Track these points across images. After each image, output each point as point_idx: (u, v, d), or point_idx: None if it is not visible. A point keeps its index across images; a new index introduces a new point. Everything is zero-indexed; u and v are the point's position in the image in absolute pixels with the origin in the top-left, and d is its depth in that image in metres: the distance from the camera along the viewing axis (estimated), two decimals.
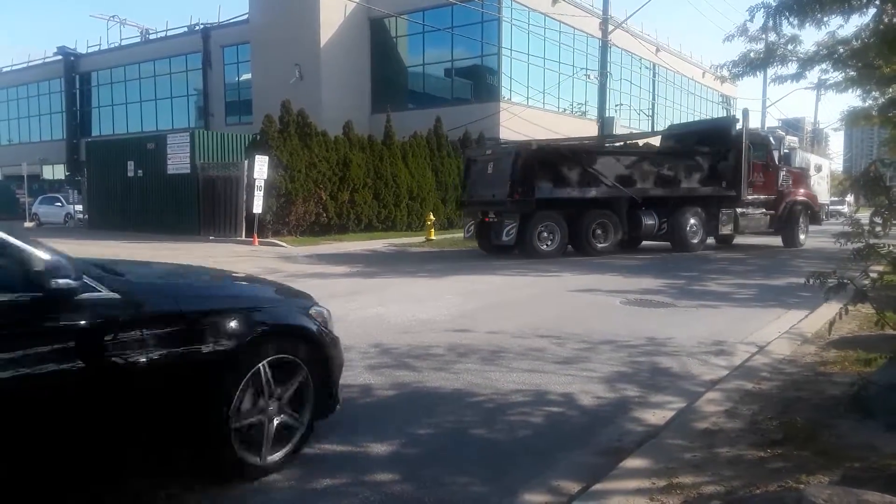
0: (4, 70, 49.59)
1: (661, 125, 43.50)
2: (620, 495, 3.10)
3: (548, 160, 15.69)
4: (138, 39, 43.69)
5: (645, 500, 3.05)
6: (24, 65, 48.28)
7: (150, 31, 43.81)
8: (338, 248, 18.32)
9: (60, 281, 2.66)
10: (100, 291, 2.88)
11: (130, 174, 23.89)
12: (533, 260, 14.95)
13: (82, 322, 2.77)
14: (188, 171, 21.92)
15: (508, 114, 29.23)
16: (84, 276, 2.82)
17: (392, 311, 8.38)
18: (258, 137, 20.87)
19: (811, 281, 4.17)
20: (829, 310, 6.89)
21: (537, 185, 15.24)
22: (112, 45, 44.11)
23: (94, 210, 26.43)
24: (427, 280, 11.87)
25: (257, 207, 19.21)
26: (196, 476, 3.36)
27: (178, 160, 22.28)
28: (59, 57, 45.00)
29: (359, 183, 22.03)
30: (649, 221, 16.72)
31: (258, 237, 19.15)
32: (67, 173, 42.30)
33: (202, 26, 38.08)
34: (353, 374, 5.39)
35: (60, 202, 32.35)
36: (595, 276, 12.22)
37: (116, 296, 2.93)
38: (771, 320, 7.90)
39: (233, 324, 3.30)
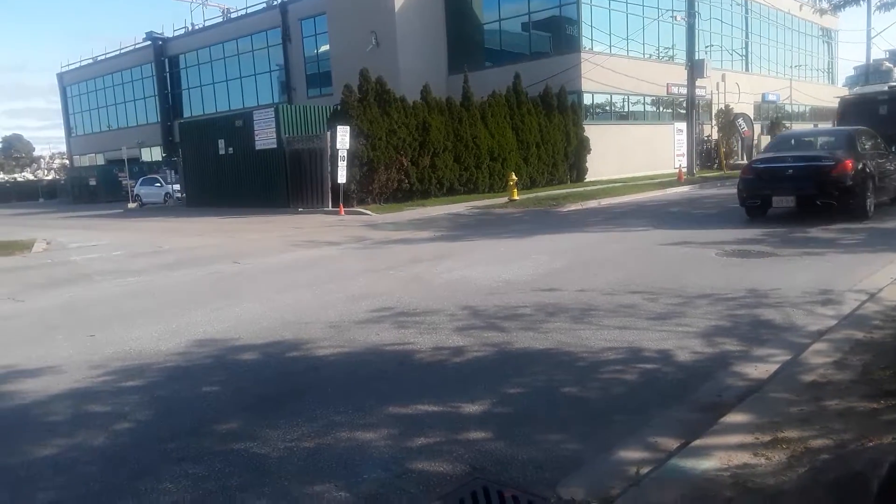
0: (99, 59, 52.27)
1: (756, 65, 41.07)
2: (722, 451, 2.99)
3: None
4: (220, 19, 44.97)
5: (748, 455, 2.93)
6: (117, 52, 50.67)
7: (231, 11, 45.02)
8: (421, 213, 18.47)
9: None
10: None
11: (221, 152, 24.87)
12: (621, 217, 14.53)
13: None
14: (275, 145, 22.57)
15: (590, 64, 28.32)
16: None
17: (478, 272, 8.39)
18: (338, 108, 21.16)
19: None
20: None
21: None
22: (196, 27, 45.65)
23: (190, 188, 27.75)
24: (512, 241, 11.80)
25: (341, 177, 19.58)
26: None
27: (264, 135, 22.98)
28: (148, 42, 46.98)
29: (439, 147, 22.01)
30: None
31: (344, 206, 19.55)
32: (164, 154, 44.48)
33: (280, 1, 38.69)
34: (442, 337, 5.45)
35: (160, 182, 34.13)
36: (687, 228, 11.76)
37: None
38: (882, 266, 7.37)
39: None
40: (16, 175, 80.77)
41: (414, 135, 21.45)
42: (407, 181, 21.40)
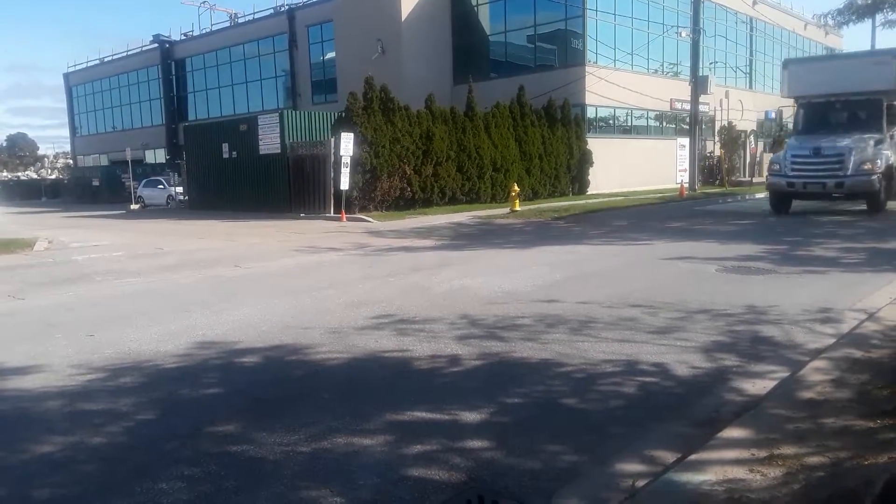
0: (106, 60, 52.47)
1: (760, 82, 41.20)
2: (718, 465, 2.99)
3: None
4: (228, 24, 45.17)
5: (744, 471, 2.93)
6: (124, 54, 50.81)
7: (239, 15, 45.19)
8: (423, 221, 18.50)
9: None
10: None
11: (225, 155, 24.94)
12: (622, 230, 14.56)
13: None
14: (278, 150, 22.64)
15: (595, 78, 28.42)
16: None
17: (478, 282, 8.40)
18: (343, 115, 21.23)
19: None
20: None
21: None
22: (203, 31, 45.85)
23: (193, 191, 27.81)
24: (513, 251, 11.82)
25: (344, 184, 19.63)
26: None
27: (268, 140, 23.05)
28: (155, 45, 47.15)
29: (442, 156, 22.07)
30: None
31: (345, 213, 19.58)
32: (168, 157, 44.58)
33: (287, 7, 38.87)
34: (442, 345, 5.46)
35: (162, 185, 34.19)
36: (688, 243, 11.78)
37: None
38: (882, 285, 7.39)
39: None
40: (19, 173, 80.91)
41: (417, 143, 21.51)
42: (409, 189, 21.44)
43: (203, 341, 5.82)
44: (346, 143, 19.35)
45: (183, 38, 47.07)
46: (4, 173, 79.21)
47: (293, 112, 25.48)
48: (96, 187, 42.46)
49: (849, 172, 14.99)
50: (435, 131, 21.90)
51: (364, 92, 20.93)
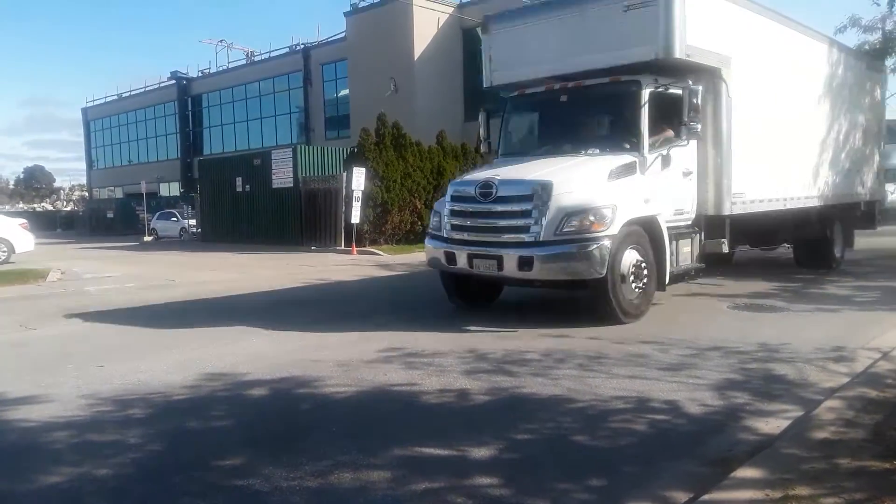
0: (124, 95, 53.56)
1: None
2: None
3: None
4: (244, 62, 46.11)
5: None
6: (142, 90, 51.94)
7: (255, 54, 46.16)
8: None
9: None
10: None
11: (239, 189, 25.21)
12: None
13: None
14: (291, 184, 22.87)
15: None
16: None
17: (487, 316, 8.36)
18: (355, 150, 21.49)
19: None
20: None
21: None
22: (220, 68, 46.80)
23: (206, 224, 28.07)
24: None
25: (355, 217, 19.76)
26: None
27: (281, 175, 23.31)
28: (173, 81, 48.19)
29: None
30: None
31: (356, 246, 19.66)
32: (182, 190, 45.16)
33: (302, 46, 39.69)
34: (450, 379, 5.42)
35: (176, 217, 34.56)
36: (697, 281, 11.71)
37: None
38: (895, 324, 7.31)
39: None
40: (35, 205, 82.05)
41: (428, 178, 21.70)
42: (420, 223, 21.54)
43: (212, 373, 5.82)
44: (358, 178, 19.53)
45: (200, 74, 48.08)
46: (21, 205, 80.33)
47: (306, 147, 25.81)
48: (111, 219, 42.92)
49: (541, 236, 7.31)
50: (446, 166, 22.10)
51: (376, 128, 21.22)
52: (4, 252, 18.07)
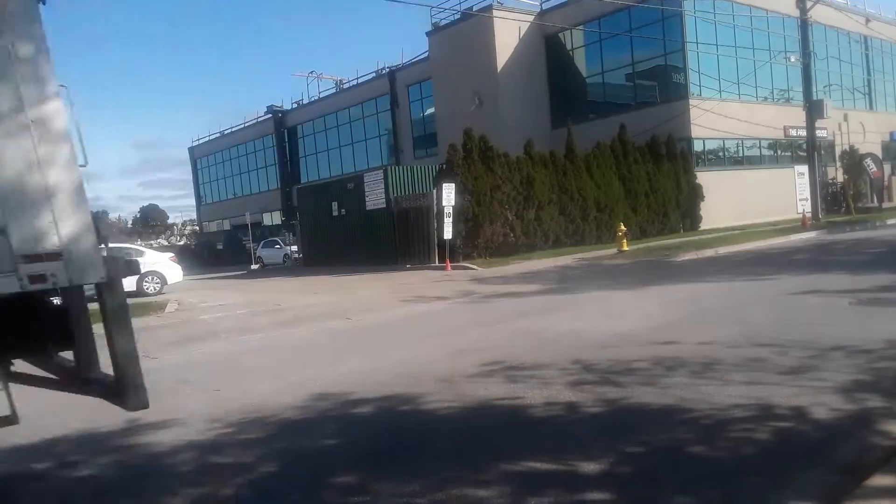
0: (226, 132, 56.69)
1: (881, 102, 38.58)
2: None
3: None
4: (334, 90, 47.77)
5: None
6: (241, 125, 54.79)
7: (344, 81, 47.72)
8: (527, 266, 18.37)
9: None
10: None
11: (335, 213, 26.03)
12: (742, 264, 13.81)
13: None
14: (384, 205, 23.37)
15: (700, 110, 27.59)
16: None
17: (588, 325, 8.18)
18: (444, 166, 21.69)
19: None
20: None
21: None
22: (312, 98, 48.71)
23: (306, 249, 29.12)
24: (623, 292, 11.46)
25: (447, 233, 19.91)
26: None
27: (374, 196, 23.87)
28: (269, 115, 50.57)
29: (543, 200, 22.01)
30: None
31: (450, 261, 19.79)
32: (283, 218, 47.13)
33: (388, 70, 40.68)
34: (554, 392, 5.31)
35: (279, 245, 36.13)
36: (816, 275, 11.01)
37: None
38: None
39: None
40: (151, 241, 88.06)
41: (518, 189, 21.59)
42: (512, 235, 21.45)
43: (320, 393, 5.98)
44: (448, 194, 19.70)
45: (294, 106, 50.18)
46: (139, 242, 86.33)
47: (396, 168, 26.32)
48: (220, 250, 45.41)
49: None
50: (535, 176, 21.92)
51: (463, 143, 21.35)
52: (158, 284, 19.70)
